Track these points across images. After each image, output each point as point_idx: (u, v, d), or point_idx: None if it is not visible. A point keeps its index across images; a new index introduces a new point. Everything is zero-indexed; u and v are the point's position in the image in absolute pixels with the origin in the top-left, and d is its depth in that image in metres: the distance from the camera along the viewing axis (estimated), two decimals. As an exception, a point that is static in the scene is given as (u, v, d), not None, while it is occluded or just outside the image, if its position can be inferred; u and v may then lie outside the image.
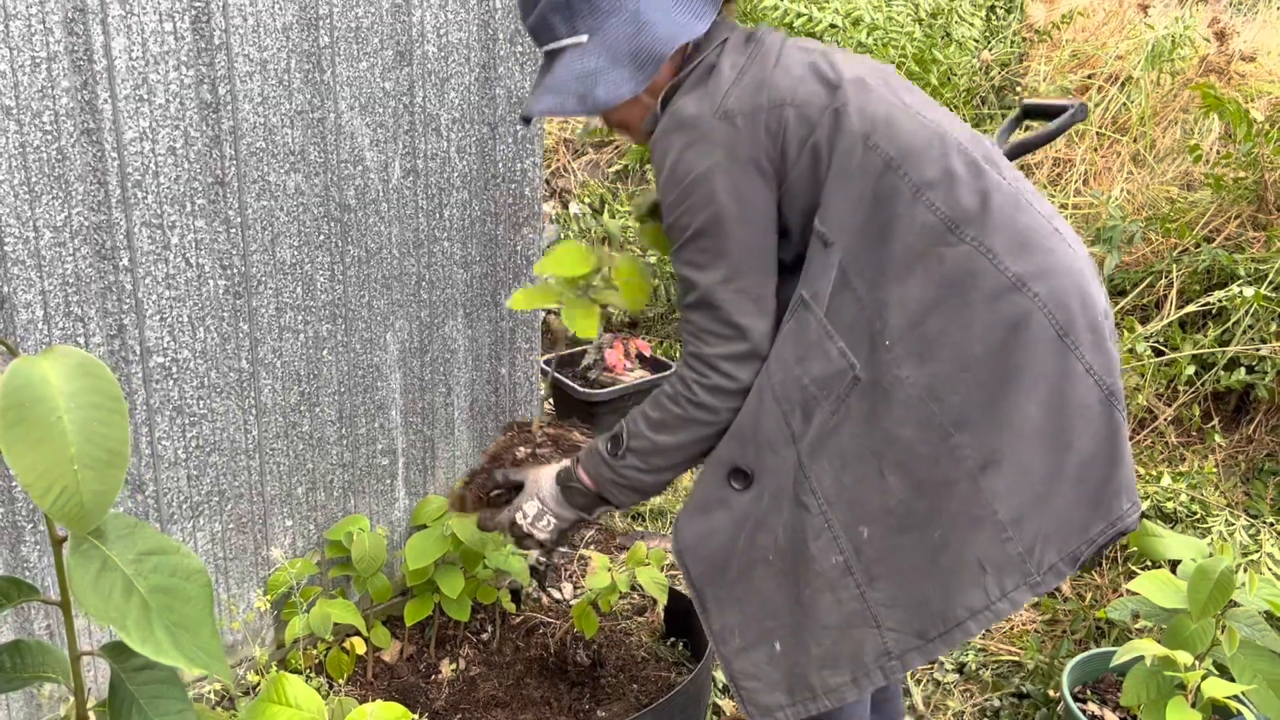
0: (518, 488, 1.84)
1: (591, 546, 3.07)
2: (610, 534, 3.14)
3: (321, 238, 2.10)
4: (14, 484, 1.79)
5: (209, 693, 1.95)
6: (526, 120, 1.65)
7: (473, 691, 2.36)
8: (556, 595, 2.79)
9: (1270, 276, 2.69)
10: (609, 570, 2.41)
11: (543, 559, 1.83)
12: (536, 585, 2.76)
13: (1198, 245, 2.97)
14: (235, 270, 1.98)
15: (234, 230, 1.95)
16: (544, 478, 1.79)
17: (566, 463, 1.77)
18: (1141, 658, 1.76)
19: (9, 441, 0.82)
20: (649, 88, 1.59)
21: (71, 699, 1.37)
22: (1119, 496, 1.49)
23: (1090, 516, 1.48)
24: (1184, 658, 1.42)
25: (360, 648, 2.20)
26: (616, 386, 3.38)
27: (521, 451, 1.90)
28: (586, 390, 3.35)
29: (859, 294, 1.49)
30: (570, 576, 2.89)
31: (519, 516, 1.79)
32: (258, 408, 2.09)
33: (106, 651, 1.06)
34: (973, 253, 1.46)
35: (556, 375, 3.43)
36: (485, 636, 2.54)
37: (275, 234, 2.02)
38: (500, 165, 2.36)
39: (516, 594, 2.63)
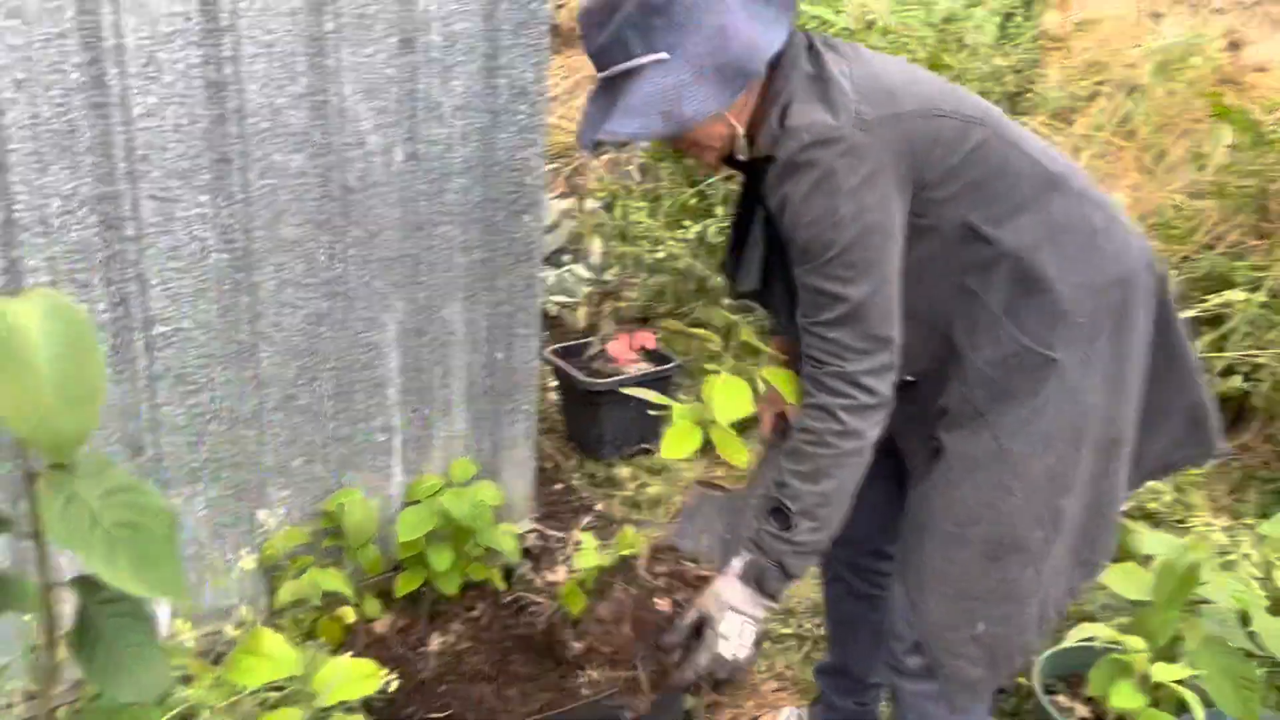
0: (696, 631, 1.72)
1: (589, 531, 3.12)
2: (607, 520, 3.19)
3: (323, 217, 2.16)
4: (5, 441, 1.87)
5: (191, 647, 2.02)
6: (595, 146, 1.59)
7: (460, 665, 2.42)
8: (550, 577, 2.84)
9: (1268, 283, 2.70)
10: (596, 550, 2.46)
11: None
12: (530, 566, 2.81)
13: (1199, 253, 2.98)
14: (238, 245, 2.05)
15: (237, 206, 2.02)
16: (725, 593, 1.68)
17: (737, 566, 1.68)
18: (1112, 650, 1.79)
19: (-15, 373, 0.88)
20: (730, 108, 1.55)
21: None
22: (1211, 434, 1.70)
23: (1192, 437, 1.70)
24: (1135, 642, 1.45)
25: (350, 616, 2.26)
26: (619, 377, 3.43)
27: (629, 592, 1.85)
28: (589, 379, 3.40)
29: (1032, 271, 1.57)
30: (565, 560, 2.95)
31: (722, 646, 1.67)
32: (257, 379, 2.16)
33: (75, 584, 1.12)
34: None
35: (561, 363, 3.49)
36: (475, 613, 2.60)
37: (278, 212, 2.09)
38: (502, 153, 2.42)
39: (509, 573, 2.69)
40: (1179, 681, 1.58)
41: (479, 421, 2.62)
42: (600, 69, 1.57)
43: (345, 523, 2.25)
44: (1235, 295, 2.63)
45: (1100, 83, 3.69)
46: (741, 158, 1.65)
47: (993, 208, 1.58)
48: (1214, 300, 2.71)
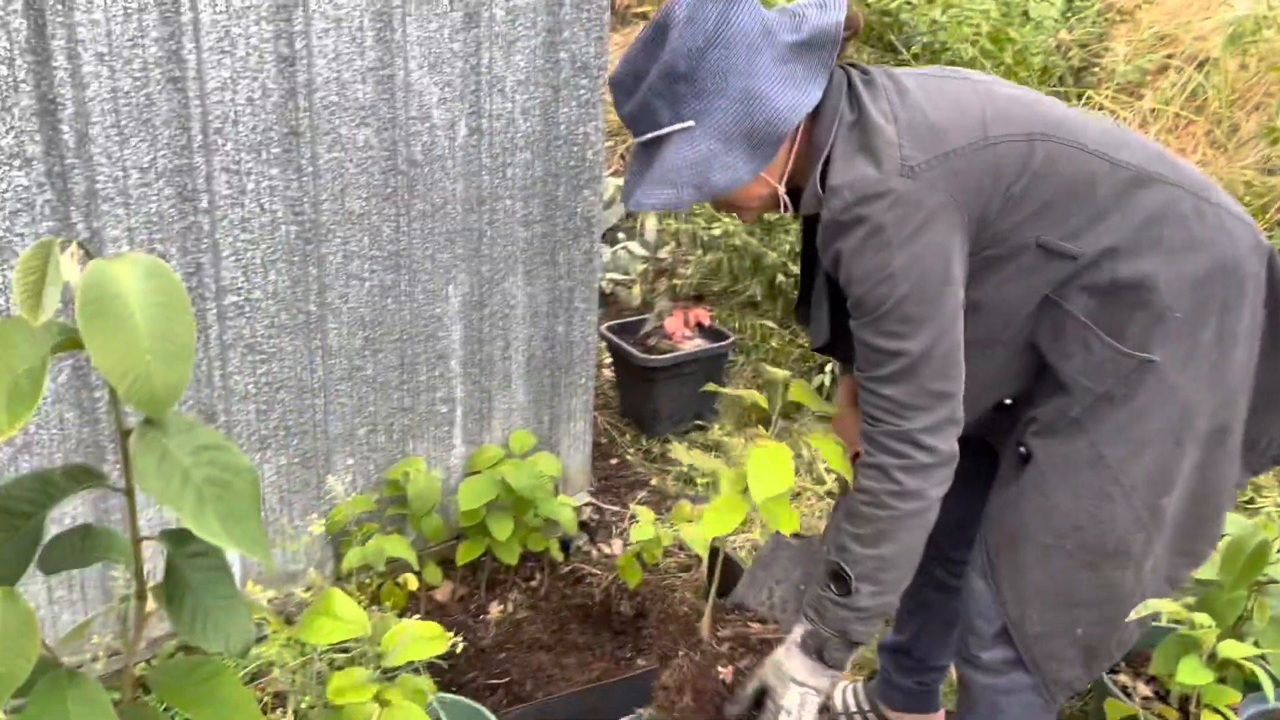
0: (757, 702, 1.69)
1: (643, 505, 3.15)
2: (662, 495, 3.21)
3: (389, 190, 2.20)
4: (98, 405, 1.93)
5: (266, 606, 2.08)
6: (633, 214, 1.61)
7: (518, 633, 2.46)
8: (606, 550, 2.87)
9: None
10: (654, 524, 2.48)
11: None
12: (588, 539, 2.84)
13: (1271, 230, 2.91)
14: (306, 217, 2.09)
15: (306, 179, 2.06)
16: (786, 664, 1.64)
17: (798, 635, 1.64)
18: (1173, 629, 1.77)
19: (89, 333, 0.92)
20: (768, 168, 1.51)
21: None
22: None
23: None
24: (1203, 619, 1.44)
25: (413, 583, 2.30)
26: (675, 354, 3.44)
27: (692, 659, 1.79)
28: (645, 356, 3.42)
29: (1120, 275, 1.51)
30: (621, 534, 2.98)
31: (783, 719, 1.63)
32: (324, 349, 2.20)
33: (164, 537, 1.16)
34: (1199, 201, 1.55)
35: (616, 340, 3.51)
36: (534, 583, 2.64)
37: (345, 185, 2.12)
38: (563, 128, 2.44)
39: (566, 545, 2.72)
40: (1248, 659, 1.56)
41: (538, 394, 2.65)
42: (634, 135, 1.55)
43: (409, 491, 2.30)
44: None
45: (1169, 56, 3.61)
46: (787, 213, 1.61)
47: (1069, 222, 1.51)
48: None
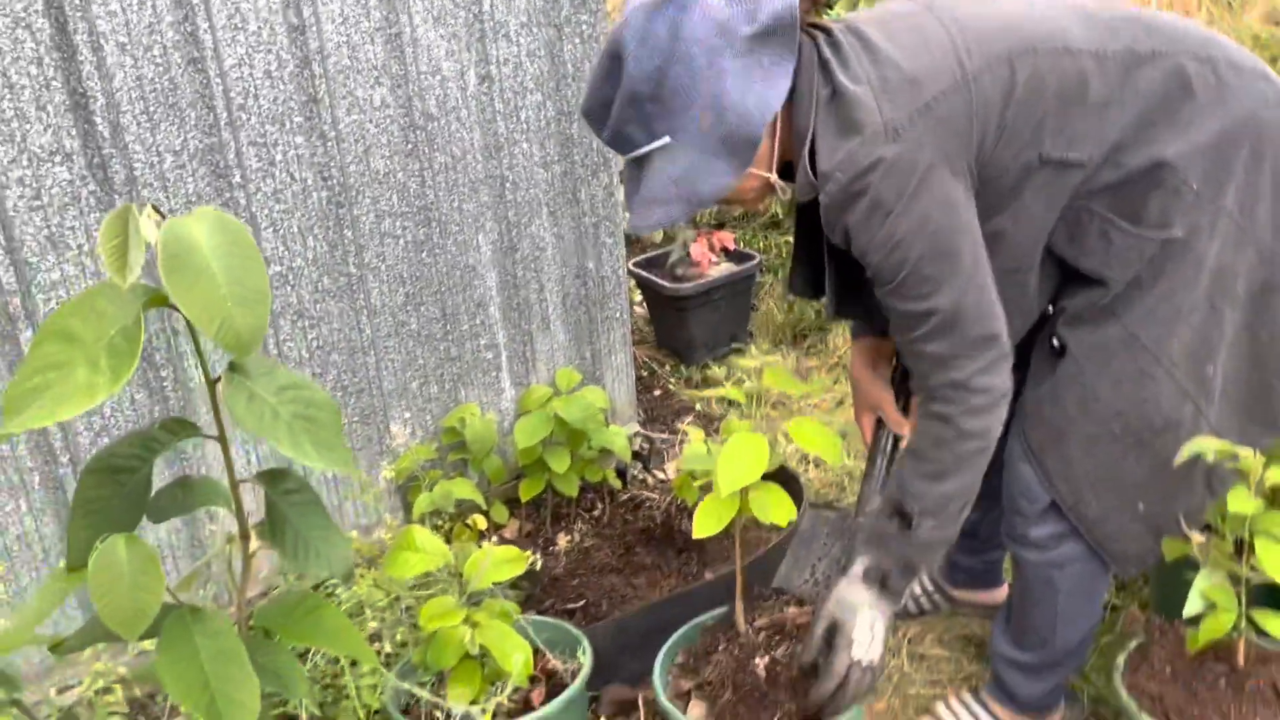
0: (828, 640, 1.66)
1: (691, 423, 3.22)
2: (708, 418, 3.28)
3: (409, 147, 2.25)
4: (165, 385, 2.02)
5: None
6: (635, 235, 1.58)
7: (587, 560, 2.55)
8: (660, 475, 2.95)
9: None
10: (704, 441, 2.55)
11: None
12: (641, 466, 2.92)
13: (1283, 80, 2.90)
14: (335, 181, 2.15)
15: (330, 144, 2.12)
16: (850, 596, 1.64)
17: (859, 568, 1.64)
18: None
19: (173, 285, 0.99)
20: (755, 160, 1.49)
21: (227, 527, 1.58)
22: None
23: None
24: (1245, 452, 1.48)
25: (481, 523, 2.39)
26: (703, 280, 3.49)
27: (731, 653, 1.78)
28: (674, 286, 3.47)
29: (1130, 166, 1.50)
30: (673, 458, 3.05)
31: (856, 649, 1.61)
32: (368, 309, 2.28)
33: (260, 478, 1.25)
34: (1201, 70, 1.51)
35: (645, 274, 3.56)
36: (596, 513, 2.72)
37: (367, 145, 2.18)
38: (570, 65, 2.47)
39: (622, 473, 2.80)
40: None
41: (577, 332, 2.72)
42: (619, 154, 1.54)
43: (467, 435, 2.38)
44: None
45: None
46: (785, 198, 1.59)
47: (1069, 130, 1.49)
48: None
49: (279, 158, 2.06)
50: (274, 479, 1.24)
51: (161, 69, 1.87)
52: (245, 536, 1.26)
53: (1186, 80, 1.49)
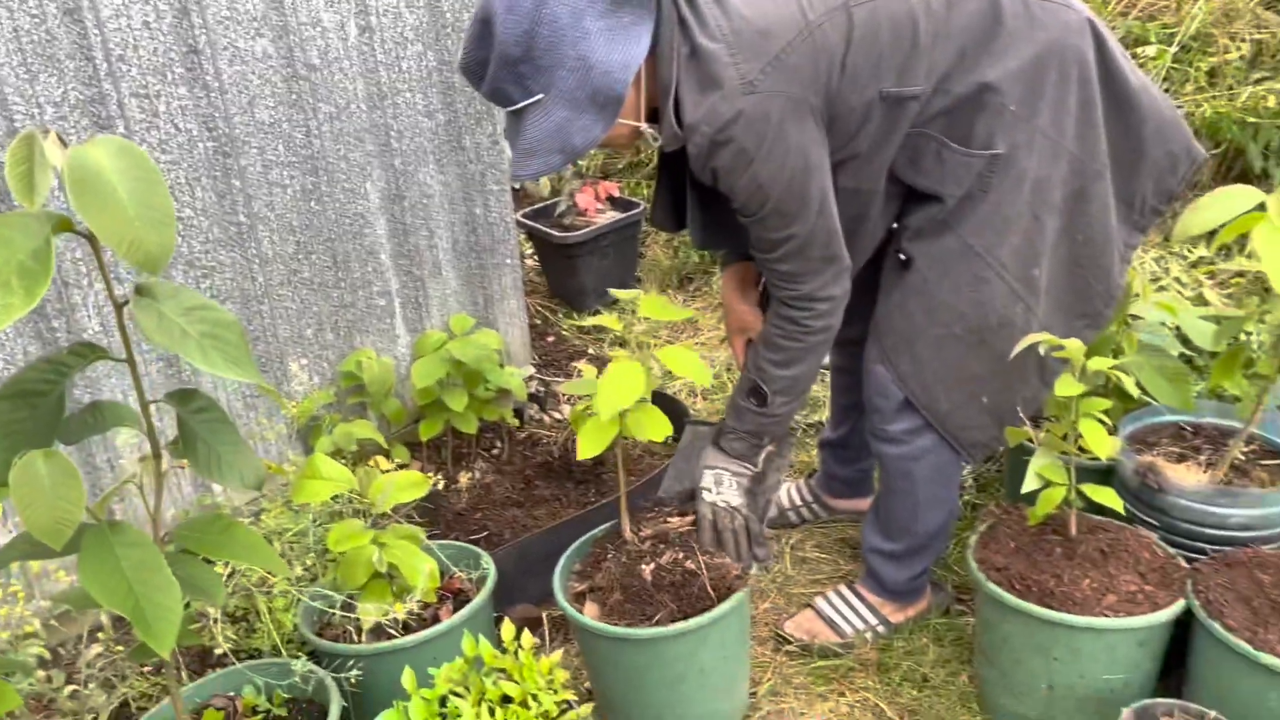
0: (690, 497, 1.99)
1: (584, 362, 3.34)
2: (601, 361, 3.40)
3: (294, 97, 2.29)
4: (58, 336, 2.04)
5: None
6: (518, 184, 1.72)
7: (489, 495, 2.65)
8: (557, 416, 3.07)
9: (1179, 37, 2.88)
10: (597, 377, 2.67)
11: (760, 554, 1.93)
12: (538, 408, 3.03)
13: (1115, 20, 3.14)
14: (221, 132, 2.18)
15: (214, 95, 2.15)
16: (705, 459, 1.96)
17: (715, 439, 1.96)
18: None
19: (83, 208, 1.05)
20: (623, 111, 1.63)
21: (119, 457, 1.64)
22: (1189, 144, 1.81)
23: (1173, 160, 1.80)
24: (1074, 344, 1.67)
25: (384, 464, 2.46)
26: (590, 228, 3.60)
27: (619, 559, 1.93)
28: (563, 235, 3.57)
29: (957, 93, 1.69)
30: (569, 400, 3.17)
31: (706, 495, 1.91)
32: (260, 257, 2.32)
33: (171, 398, 1.32)
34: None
35: (534, 224, 3.65)
36: (495, 451, 2.83)
37: (251, 96, 2.22)
38: (449, 15, 2.54)
39: (520, 414, 2.91)
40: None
41: (469, 277, 2.80)
42: (500, 107, 1.68)
43: (366, 377, 2.45)
44: (1149, 51, 2.81)
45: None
46: (655, 144, 1.72)
47: (903, 66, 1.68)
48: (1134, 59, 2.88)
49: (162, 109, 2.08)
50: (184, 399, 1.32)
51: (38, 20, 1.88)
52: (157, 456, 1.33)
53: (999, 12, 1.68)
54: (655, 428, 1.79)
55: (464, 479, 2.69)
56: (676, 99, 1.62)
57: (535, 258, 3.96)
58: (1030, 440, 1.81)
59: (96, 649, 1.61)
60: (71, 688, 1.57)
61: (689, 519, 1.98)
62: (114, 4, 1.96)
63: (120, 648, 1.64)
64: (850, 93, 1.67)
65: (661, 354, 1.79)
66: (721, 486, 1.92)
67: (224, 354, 1.19)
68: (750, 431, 1.92)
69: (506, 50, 1.55)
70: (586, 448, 1.76)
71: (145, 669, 1.81)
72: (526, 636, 1.62)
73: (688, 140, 1.63)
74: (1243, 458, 1.93)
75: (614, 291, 1.79)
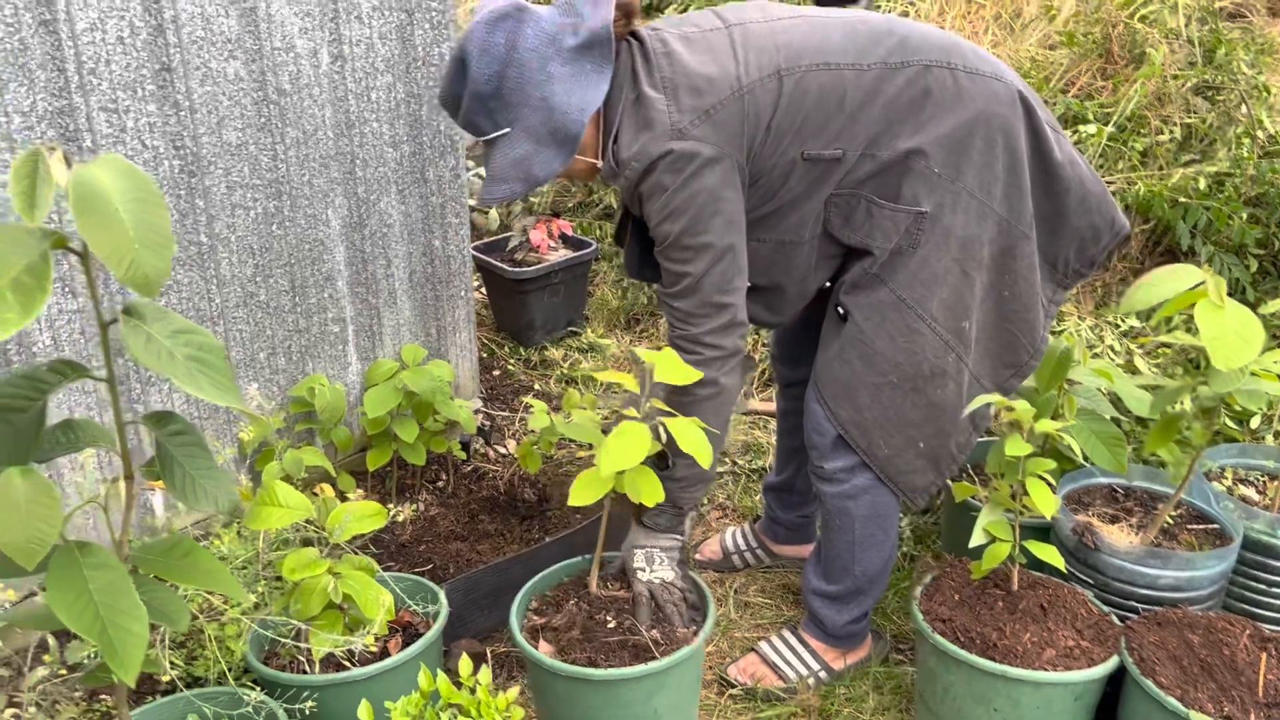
0: (621, 573, 2.05)
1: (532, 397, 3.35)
2: (547, 397, 3.42)
3: (262, 120, 2.29)
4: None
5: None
6: (487, 207, 1.89)
7: (433, 528, 2.64)
8: (501, 450, 3.07)
9: (1115, 118, 3.04)
10: (547, 414, 2.69)
11: (698, 617, 1.97)
12: (484, 441, 3.03)
13: (1055, 98, 3.30)
14: (187, 150, 2.17)
15: (183, 114, 2.14)
16: (632, 539, 2.01)
17: (635, 511, 1.99)
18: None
19: (85, 226, 1.05)
20: (580, 149, 1.82)
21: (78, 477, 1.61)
22: (1114, 211, 1.93)
23: (1095, 231, 1.91)
24: (1023, 405, 1.75)
25: (329, 492, 2.44)
26: (542, 265, 3.63)
27: (581, 607, 1.97)
28: (515, 269, 3.59)
29: (884, 158, 1.80)
30: (514, 435, 3.18)
31: (640, 575, 1.96)
32: (218, 279, 2.30)
33: (148, 420, 1.31)
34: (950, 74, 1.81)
35: (485, 258, 3.66)
36: (440, 483, 2.82)
37: (220, 117, 2.21)
38: (420, 49, 2.56)
39: (466, 446, 2.91)
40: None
41: (423, 309, 2.80)
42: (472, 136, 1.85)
43: (318, 404, 2.43)
44: (1089, 129, 2.96)
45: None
46: (607, 180, 1.88)
47: (827, 131, 1.80)
48: (1071, 137, 3.03)
49: (130, 124, 2.06)
50: (160, 421, 1.31)
51: (12, 29, 1.86)
52: (130, 477, 1.31)
53: (927, 86, 1.80)
54: (650, 493, 1.81)
55: (408, 510, 2.68)
56: (617, 137, 1.79)
57: (482, 290, 3.97)
58: (975, 497, 1.88)
59: (42, 671, 1.56)
60: (12, 711, 1.53)
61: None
62: (90, 17, 1.95)
63: (64, 671, 1.60)
64: (773, 152, 1.81)
65: (671, 424, 1.75)
66: (654, 565, 1.97)
67: (210, 378, 1.19)
68: (669, 502, 1.95)
69: (479, 88, 1.75)
70: (578, 496, 1.77)
71: (77, 693, 1.76)
72: (485, 672, 1.62)
73: (621, 175, 1.79)
74: (1171, 521, 2.03)
75: (638, 350, 1.82)
